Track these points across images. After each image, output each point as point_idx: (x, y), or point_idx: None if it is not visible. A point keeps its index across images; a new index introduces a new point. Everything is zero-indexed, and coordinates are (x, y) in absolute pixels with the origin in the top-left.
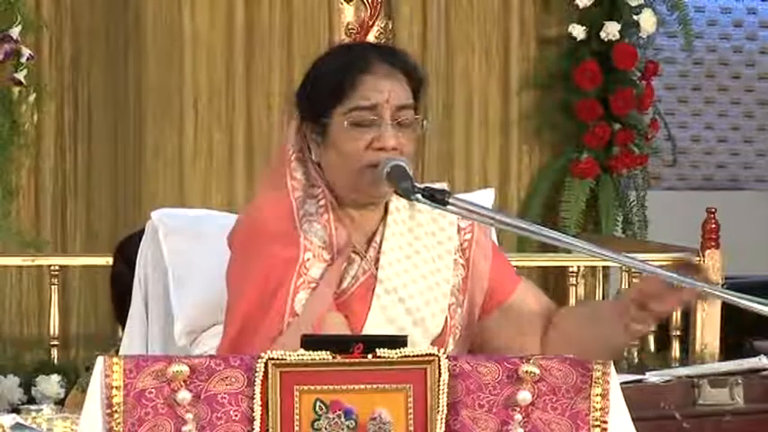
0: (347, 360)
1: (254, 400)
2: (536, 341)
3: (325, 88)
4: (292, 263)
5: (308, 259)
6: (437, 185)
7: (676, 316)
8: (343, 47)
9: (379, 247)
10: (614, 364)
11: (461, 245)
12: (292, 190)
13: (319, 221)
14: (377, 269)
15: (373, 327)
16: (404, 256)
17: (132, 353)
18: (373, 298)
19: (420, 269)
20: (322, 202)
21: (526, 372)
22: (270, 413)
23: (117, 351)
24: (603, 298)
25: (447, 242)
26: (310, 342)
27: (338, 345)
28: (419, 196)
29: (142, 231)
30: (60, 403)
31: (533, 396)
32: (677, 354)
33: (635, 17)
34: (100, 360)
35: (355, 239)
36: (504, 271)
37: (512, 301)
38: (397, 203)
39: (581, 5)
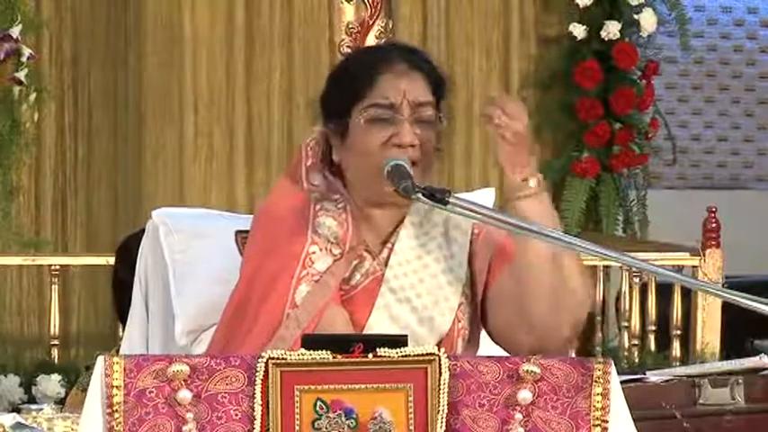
0: (348, 360)
1: (255, 400)
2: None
3: (345, 87)
4: (296, 254)
5: (314, 252)
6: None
7: (677, 315)
8: (365, 48)
9: (393, 247)
10: (615, 363)
11: (470, 237)
12: (310, 192)
13: (335, 218)
14: (387, 269)
15: (376, 324)
16: (414, 257)
17: (133, 352)
18: (378, 296)
19: (430, 269)
20: (341, 204)
21: (527, 371)
22: (270, 413)
23: (117, 350)
24: (604, 297)
25: (461, 237)
26: (310, 341)
27: (338, 344)
28: (420, 195)
29: (143, 231)
30: (61, 403)
31: (534, 395)
32: (678, 353)
33: (635, 16)
34: (100, 360)
35: (369, 239)
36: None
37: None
38: (418, 205)
39: (581, 5)
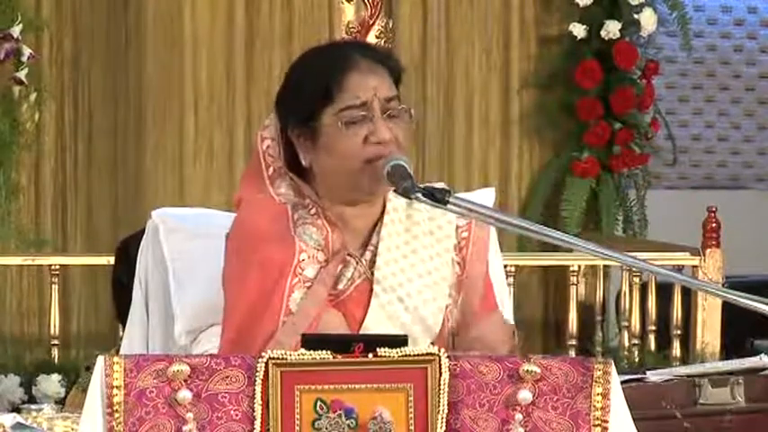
0: (348, 359)
1: (255, 400)
2: None
3: (311, 91)
4: (287, 263)
5: (303, 260)
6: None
7: (677, 315)
8: (320, 48)
9: (375, 249)
10: (615, 363)
11: (458, 243)
12: (281, 202)
13: (314, 224)
14: (372, 272)
15: (373, 325)
16: (400, 256)
17: (133, 352)
18: (372, 297)
19: (417, 268)
20: (312, 211)
21: (527, 371)
22: (270, 413)
23: (117, 350)
24: (604, 297)
25: (445, 240)
26: (311, 341)
27: (339, 344)
28: (419, 195)
29: (142, 232)
30: (61, 403)
31: (534, 395)
32: (678, 353)
33: (635, 16)
34: (100, 359)
35: (350, 243)
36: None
37: (474, 327)
38: (395, 203)
39: (581, 4)
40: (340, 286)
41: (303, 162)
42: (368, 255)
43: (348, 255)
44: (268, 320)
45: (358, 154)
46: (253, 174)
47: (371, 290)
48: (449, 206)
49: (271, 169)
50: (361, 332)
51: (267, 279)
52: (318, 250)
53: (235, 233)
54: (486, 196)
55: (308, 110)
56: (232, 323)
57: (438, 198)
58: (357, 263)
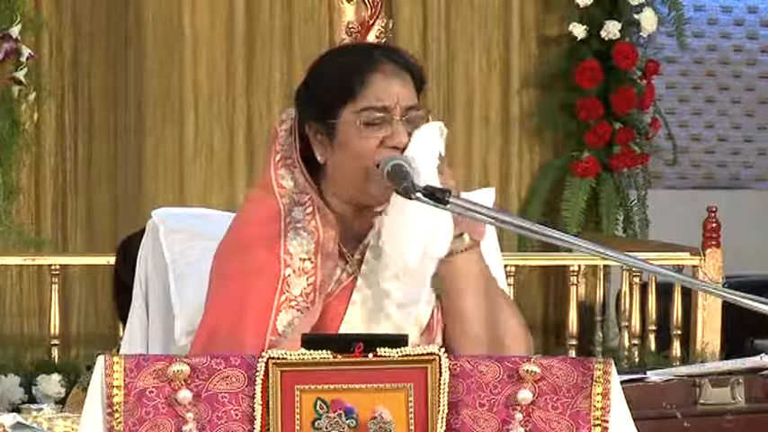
0: (348, 359)
1: (255, 400)
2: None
3: (333, 87)
4: (272, 280)
5: (289, 275)
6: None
7: (677, 315)
8: (347, 46)
9: (367, 246)
10: (615, 363)
11: None
12: (280, 197)
13: (306, 227)
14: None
15: (355, 318)
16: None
17: (133, 352)
18: (354, 290)
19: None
20: (309, 210)
21: (527, 371)
22: (270, 412)
23: (117, 350)
24: (604, 297)
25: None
26: (311, 341)
27: (339, 344)
28: (419, 195)
29: (143, 231)
30: (61, 402)
31: (534, 395)
32: (678, 353)
33: (635, 16)
34: (100, 359)
35: (343, 243)
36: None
37: None
38: (394, 202)
39: (582, 4)
40: (327, 289)
41: (319, 159)
42: (357, 255)
43: (339, 255)
44: (251, 338)
45: (372, 155)
46: (264, 165)
47: (357, 283)
48: (449, 206)
49: (278, 156)
50: (343, 324)
51: (242, 294)
52: (305, 260)
53: (225, 239)
54: (486, 196)
55: (328, 106)
56: (202, 333)
57: (438, 198)
58: (347, 263)
